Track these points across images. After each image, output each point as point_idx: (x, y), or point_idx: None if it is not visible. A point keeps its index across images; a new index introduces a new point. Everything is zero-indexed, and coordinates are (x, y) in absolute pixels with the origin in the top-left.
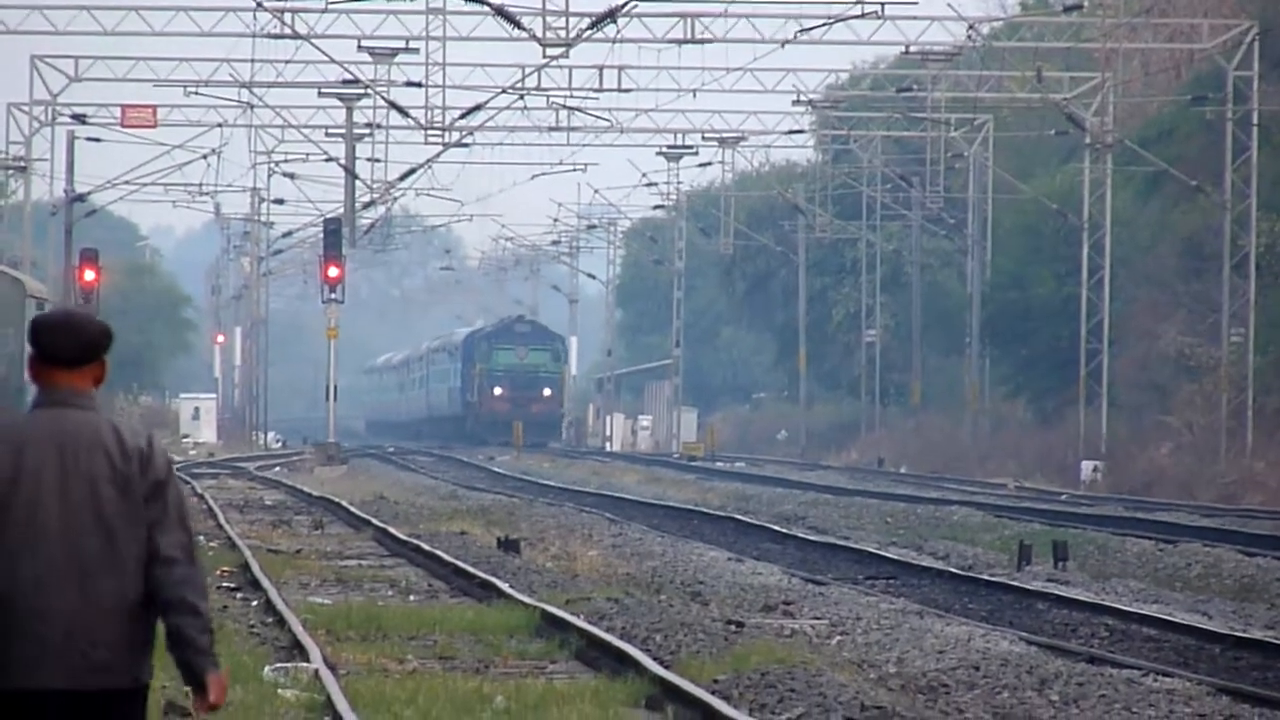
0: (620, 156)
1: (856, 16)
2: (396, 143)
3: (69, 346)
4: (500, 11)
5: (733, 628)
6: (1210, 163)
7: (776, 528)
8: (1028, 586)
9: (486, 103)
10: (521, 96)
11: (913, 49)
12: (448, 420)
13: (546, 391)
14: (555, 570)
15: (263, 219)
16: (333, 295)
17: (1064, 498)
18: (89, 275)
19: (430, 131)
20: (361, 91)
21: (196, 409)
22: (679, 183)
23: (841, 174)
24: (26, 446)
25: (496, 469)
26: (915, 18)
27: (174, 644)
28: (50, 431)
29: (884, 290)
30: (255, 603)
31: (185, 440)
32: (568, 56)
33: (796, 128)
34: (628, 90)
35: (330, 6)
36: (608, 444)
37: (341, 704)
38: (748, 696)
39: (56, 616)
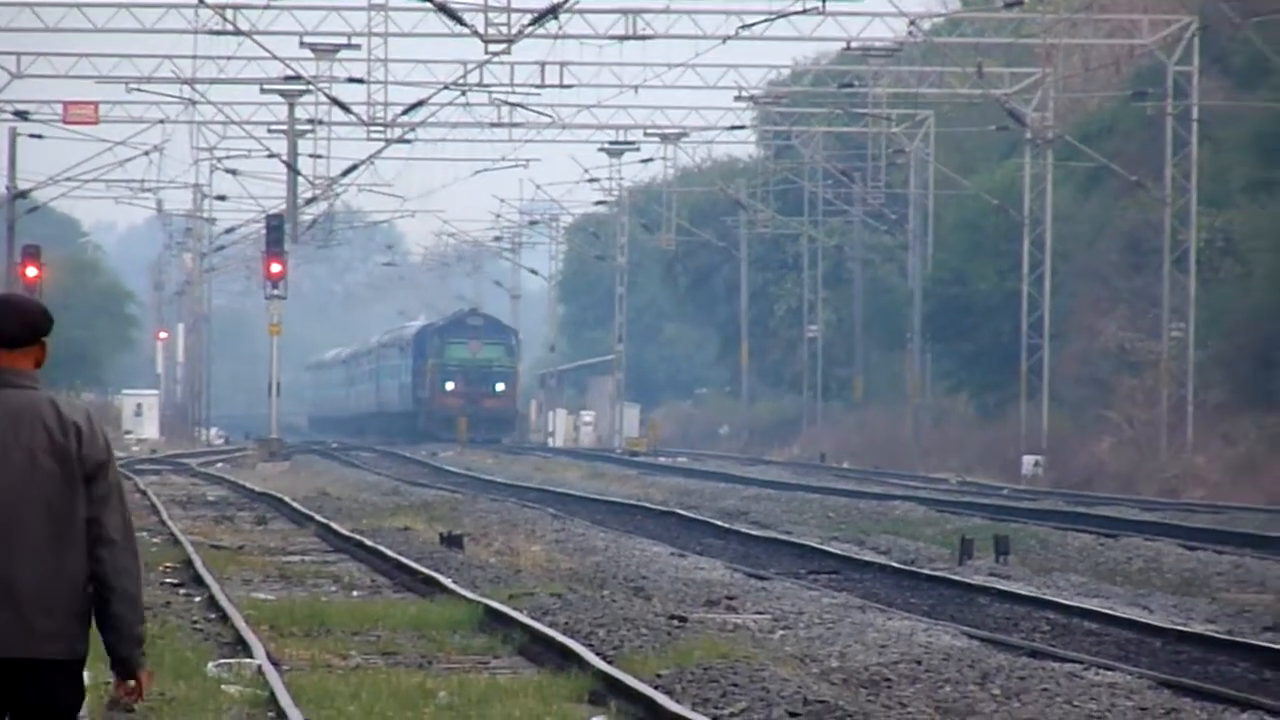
0: (563, 152)
1: (798, 12)
2: (339, 139)
3: (9, 327)
4: (442, 8)
5: (675, 623)
6: (1150, 158)
7: (719, 523)
8: (970, 581)
9: (429, 99)
10: (464, 93)
11: (854, 45)
12: (398, 416)
13: (500, 387)
14: (498, 566)
15: (205, 215)
16: (275, 291)
17: (1006, 492)
18: (31, 271)
19: (372, 128)
20: (303, 88)
21: (139, 405)
22: (621, 178)
23: (783, 169)
24: None
25: (440, 465)
26: (856, 14)
27: (109, 630)
28: None
29: (826, 285)
30: (198, 599)
31: (128, 436)
32: (510, 53)
33: (738, 123)
34: (570, 86)
35: (272, 3)
36: (550, 439)
37: (285, 700)
38: (691, 691)
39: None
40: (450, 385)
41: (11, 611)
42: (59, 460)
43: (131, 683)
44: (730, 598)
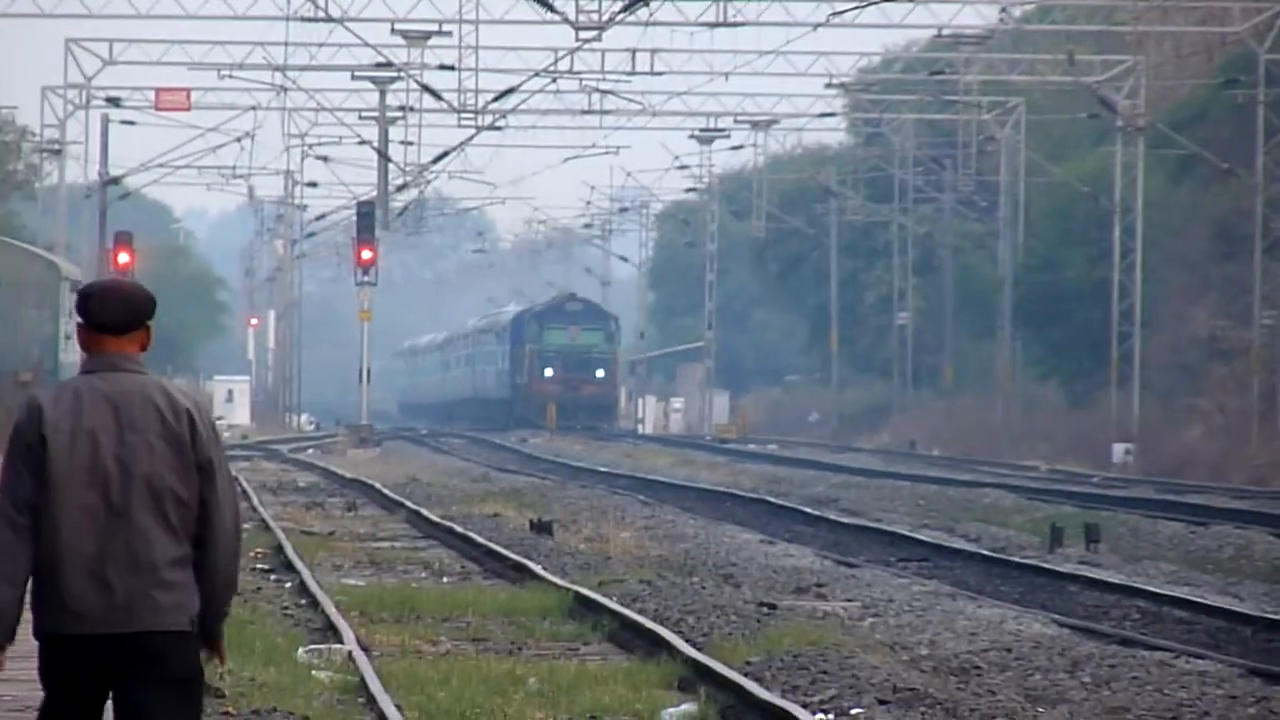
0: (653, 139)
1: (889, 0)
2: (429, 126)
3: (117, 313)
4: None
5: (765, 610)
6: (1241, 146)
7: (808, 510)
8: (1059, 569)
9: (519, 86)
10: (554, 79)
11: (945, 32)
12: (495, 403)
13: (599, 373)
14: (588, 552)
15: (296, 202)
16: (366, 278)
17: (1095, 480)
18: (123, 258)
19: (463, 114)
20: (395, 74)
21: (230, 391)
22: (711, 165)
23: (873, 157)
24: (84, 404)
25: (529, 451)
26: (947, 1)
27: (206, 603)
28: (105, 391)
29: (915, 273)
30: (289, 585)
31: (219, 422)
32: (600, 39)
33: (829, 111)
34: (660, 73)
35: None
36: (640, 426)
37: (375, 685)
38: (780, 678)
39: (117, 560)
40: (549, 371)
41: (138, 586)
42: (171, 443)
43: (211, 650)
44: (819, 585)
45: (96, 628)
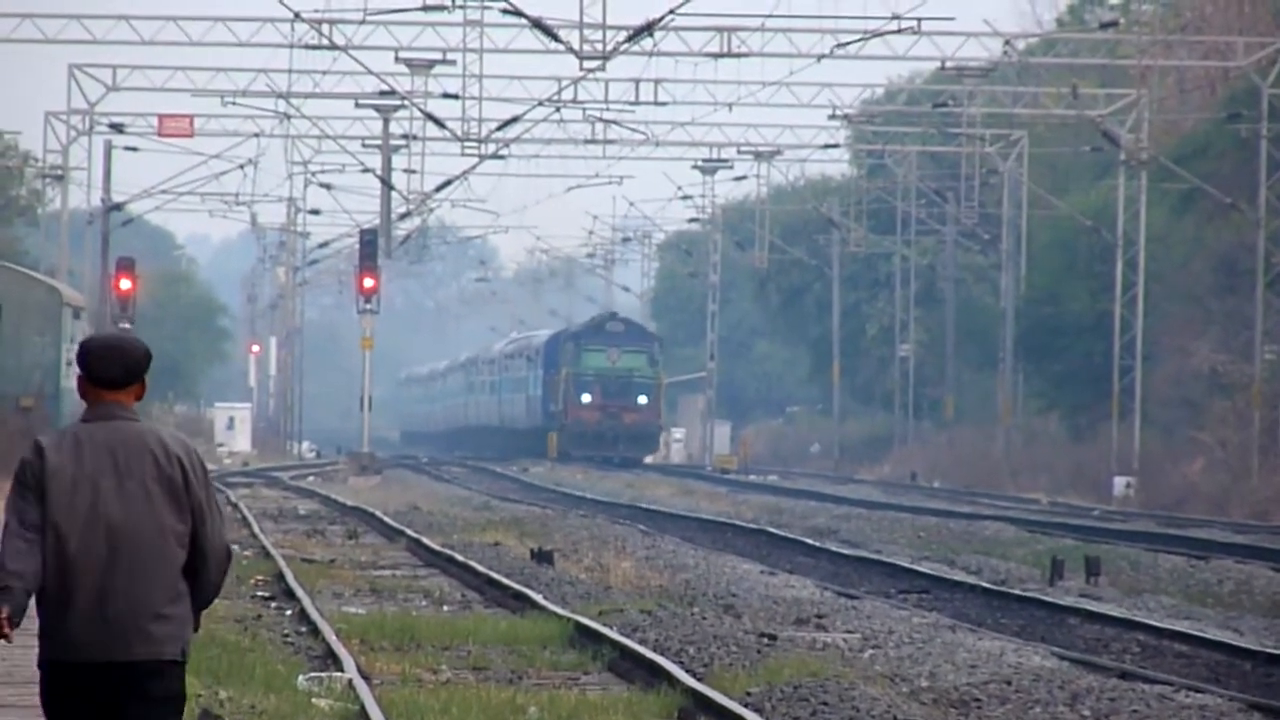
0: (656, 169)
1: (893, 32)
2: (433, 154)
3: (115, 369)
4: (538, 24)
5: (765, 640)
6: (1244, 180)
7: (809, 541)
8: (1060, 602)
9: (523, 115)
10: (558, 109)
11: (948, 64)
12: (524, 433)
13: (642, 400)
14: (588, 582)
15: (298, 229)
16: (368, 306)
17: (1096, 513)
18: (125, 284)
19: (466, 143)
20: (398, 103)
21: (231, 418)
22: (714, 196)
23: (876, 188)
24: (84, 450)
25: (530, 480)
26: (951, 33)
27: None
28: (104, 438)
29: (918, 305)
30: (289, 612)
31: (220, 449)
32: (604, 69)
33: (832, 142)
34: (664, 103)
35: (368, 18)
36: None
37: (375, 714)
38: (780, 709)
39: (117, 596)
40: (587, 398)
41: (135, 620)
42: (165, 487)
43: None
44: (820, 616)
45: (95, 656)
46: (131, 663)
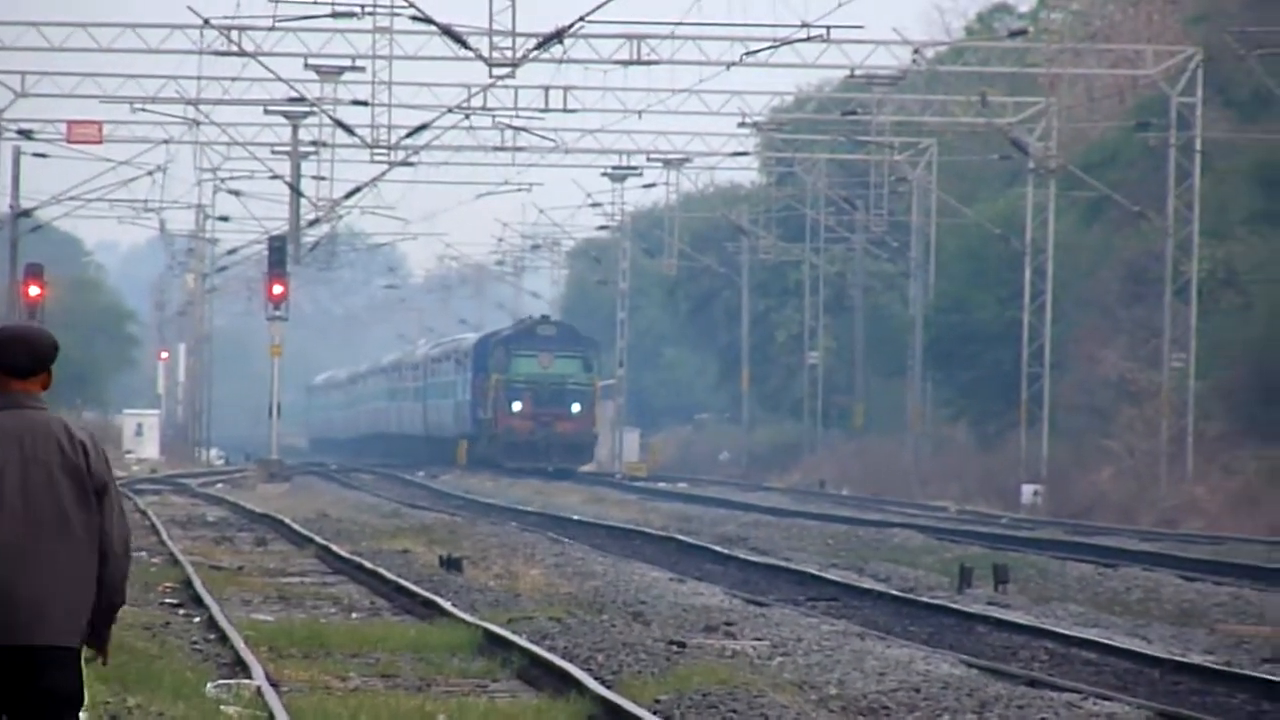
0: (565, 177)
1: (802, 40)
2: (342, 161)
3: (23, 359)
4: (447, 31)
5: (674, 648)
6: (1153, 188)
7: (718, 548)
8: (968, 609)
9: (432, 122)
10: (467, 116)
11: (858, 72)
12: (451, 441)
13: (576, 407)
14: (497, 589)
15: (207, 236)
16: (277, 312)
17: (1005, 521)
18: (34, 290)
19: (376, 150)
20: (307, 109)
21: (140, 425)
22: (624, 203)
23: (786, 196)
24: None
25: (439, 487)
26: (860, 41)
27: (99, 613)
28: (11, 426)
29: (827, 312)
30: (197, 619)
31: (128, 456)
32: (514, 76)
33: (741, 150)
34: (573, 111)
35: (277, 25)
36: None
37: None
38: (689, 717)
39: (21, 582)
40: (517, 405)
41: (39, 606)
42: (70, 474)
43: (98, 651)
44: (729, 624)
45: (7, 639)
46: (31, 647)
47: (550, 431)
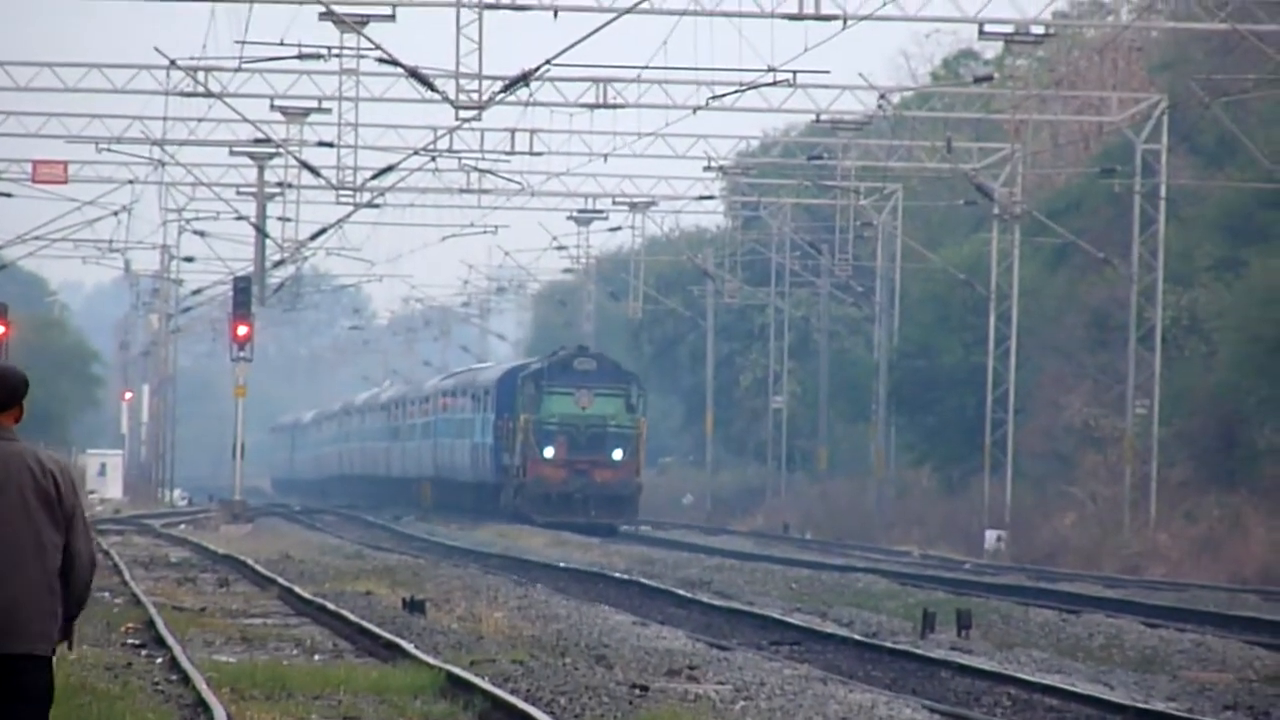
0: (531, 219)
1: (768, 84)
2: (308, 202)
3: None
4: (413, 73)
5: (637, 691)
6: (1117, 235)
7: (681, 592)
8: (931, 655)
9: (398, 164)
10: (433, 158)
11: (823, 117)
12: (468, 488)
13: (618, 454)
14: (460, 631)
15: (172, 276)
16: (241, 353)
17: (968, 566)
18: None
19: (341, 191)
20: (273, 151)
21: (103, 465)
22: (589, 246)
23: (751, 240)
24: None
25: (402, 530)
26: (826, 86)
27: (67, 615)
28: None
29: (792, 356)
30: (160, 660)
31: (91, 495)
32: (480, 119)
33: (707, 193)
34: (539, 153)
35: (243, 66)
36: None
37: None
38: None
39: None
40: (550, 451)
41: (15, 617)
42: (41, 499)
43: (66, 640)
44: (692, 667)
45: None
46: (8, 655)
47: (588, 481)
